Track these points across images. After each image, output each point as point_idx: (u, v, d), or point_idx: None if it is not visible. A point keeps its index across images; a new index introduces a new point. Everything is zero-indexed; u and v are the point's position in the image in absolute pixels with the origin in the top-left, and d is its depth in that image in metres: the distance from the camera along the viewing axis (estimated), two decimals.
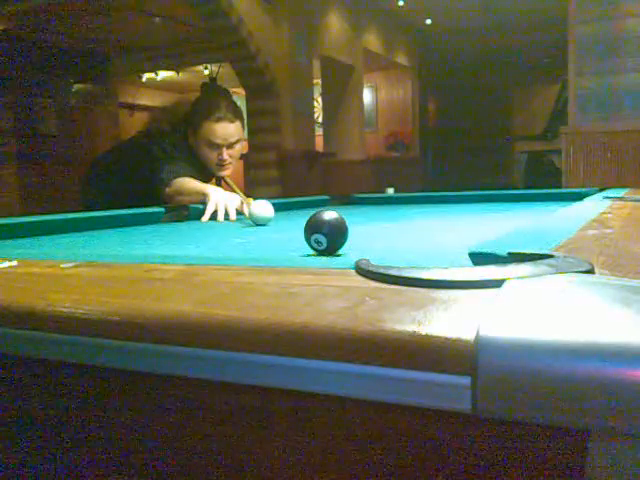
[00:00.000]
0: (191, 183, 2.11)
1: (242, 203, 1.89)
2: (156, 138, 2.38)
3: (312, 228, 0.84)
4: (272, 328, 0.42)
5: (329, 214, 0.85)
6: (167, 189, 2.13)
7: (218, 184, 2.37)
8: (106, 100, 9.26)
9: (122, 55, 9.37)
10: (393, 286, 0.46)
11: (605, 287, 0.40)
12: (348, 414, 0.41)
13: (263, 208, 1.58)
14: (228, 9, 6.19)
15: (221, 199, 1.86)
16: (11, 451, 0.58)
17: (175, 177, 2.13)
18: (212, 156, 2.26)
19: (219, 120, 2.22)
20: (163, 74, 10.58)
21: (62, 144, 8.53)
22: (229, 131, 2.25)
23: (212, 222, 1.79)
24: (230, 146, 2.27)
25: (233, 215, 1.83)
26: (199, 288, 0.52)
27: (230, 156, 2.28)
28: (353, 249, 0.90)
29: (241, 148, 2.38)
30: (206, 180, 2.32)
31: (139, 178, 2.37)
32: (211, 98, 2.32)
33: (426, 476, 0.40)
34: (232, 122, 2.26)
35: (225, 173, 2.31)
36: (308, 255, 0.84)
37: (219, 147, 2.24)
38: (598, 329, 0.34)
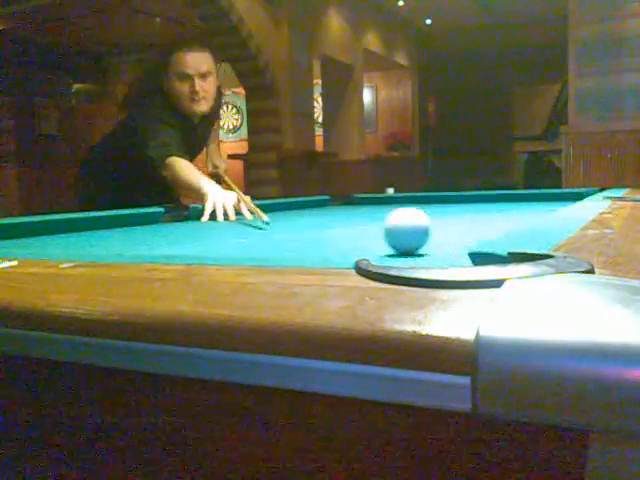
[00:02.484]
0: (187, 174, 2.02)
1: (239, 201, 1.88)
2: (137, 101, 2.31)
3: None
4: (272, 328, 0.42)
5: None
6: (163, 172, 2.05)
7: (217, 182, 2.33)
8: (106, 100, 9.26)
9: (122, 55, 9.36)
10: (393, 286, 0.46)
11: (605, 287, 0.40)
12: (348, 414, 0.41)
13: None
14: (228, 9, 6.19)
15: (219, 198, 1.84)
16: (9, 450, 0.58)
17: (166, 155, 2.04)
18: (184, 89, 2.18)
19: (188, 49, 2.18)
20: None
21: (62, 144, 8.53)
22: (199, 59, 2.19)
23: (212, 222, 1.79)
24: (202, 78, 2.19)
25: (232, 215, 1.83)
26: (199, 288, 0.52)
27: (203, 89, 2.20)
28: (354, 249, 0.90)
29: (216, 86, 2.29)
30: (191, 137, 2.24)
31: (133, 158, 2.27)
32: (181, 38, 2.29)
33: (426, 476, 0.40)
34: (202, 52, 2.21)
35: (199, 108, 2.21)
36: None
37: (191, 78, 2.17)
38: (598, 329, 0.34)
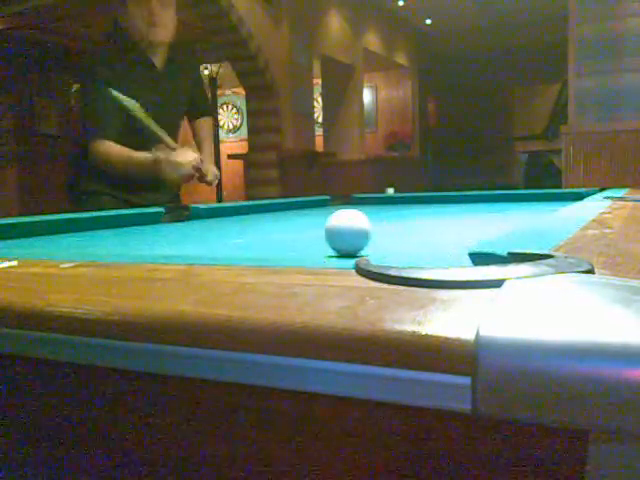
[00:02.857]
0: (135, 159, 1.93)
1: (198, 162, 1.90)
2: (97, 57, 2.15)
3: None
4: (272, 328, 0.42)
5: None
6: (93, 162, 1.96)
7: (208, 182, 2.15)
8: None
9: None
10: (393, 286, 0.46)
11: (605, 287, 0.40)
12: (348, 414, 0.41)
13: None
14: (228, 9, 6.19)
15: (188, 167, 1.88)
16: (9, 450, 0.58)
17: (96, 136, 1.94)
18: (142, 14, 2.00)
19: None
20: None
21: (62, 144, 8.53)
22: None
23: (212, 222, 1.79)
24: (161, 5, 2.01)
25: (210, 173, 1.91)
26: (199, 288, 0.52)
27: (161, 16, 2.02)
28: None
29: (175, 20, 2.11)
30: (151, 87, 2.11)
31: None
32: None
33: (426, 476, 0.40)
34: None
35: (157, 35, 2.05)
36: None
37: (148, 2, 1.99)
38: (598, 329, 0.34)
